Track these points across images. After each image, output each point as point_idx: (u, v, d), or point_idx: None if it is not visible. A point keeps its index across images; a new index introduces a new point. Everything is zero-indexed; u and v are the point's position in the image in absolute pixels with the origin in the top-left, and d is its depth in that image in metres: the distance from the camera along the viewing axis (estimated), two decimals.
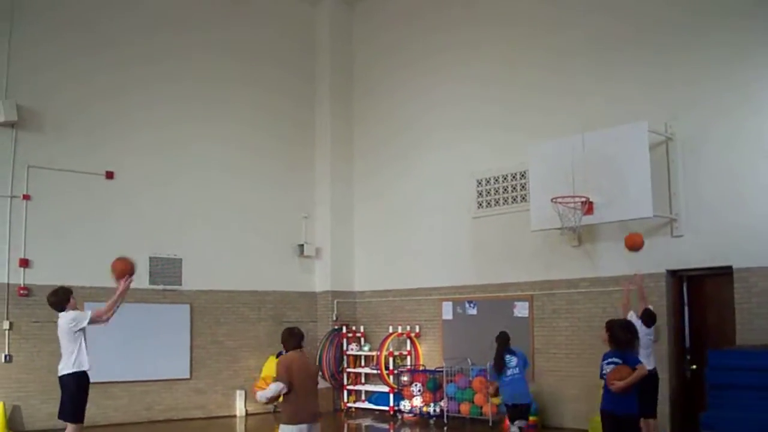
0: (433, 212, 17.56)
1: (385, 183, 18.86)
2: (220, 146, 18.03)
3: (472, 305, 16.61)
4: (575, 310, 14.85)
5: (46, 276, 15.19)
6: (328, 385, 18.27)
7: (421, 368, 17.11)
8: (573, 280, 14.88)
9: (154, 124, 17.03)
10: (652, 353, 11.87)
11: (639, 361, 8.77)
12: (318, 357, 18.27)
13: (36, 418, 14.93)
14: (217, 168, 17.88)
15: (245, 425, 16.84)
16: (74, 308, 10.44)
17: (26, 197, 15.21)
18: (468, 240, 16.81)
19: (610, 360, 8.85)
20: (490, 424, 15.21)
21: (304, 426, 8.72)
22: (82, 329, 10.24)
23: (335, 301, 18.95)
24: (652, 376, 11.37)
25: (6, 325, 14.85)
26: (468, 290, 16.67)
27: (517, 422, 11.75)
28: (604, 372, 8.84)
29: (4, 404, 14.54)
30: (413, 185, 18.11)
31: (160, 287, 16.84)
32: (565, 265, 14.97)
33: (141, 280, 16.44)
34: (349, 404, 18.31)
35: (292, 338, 9.13)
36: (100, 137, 16.25)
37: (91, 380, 15.30)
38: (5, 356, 14.79)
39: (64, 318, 10.28)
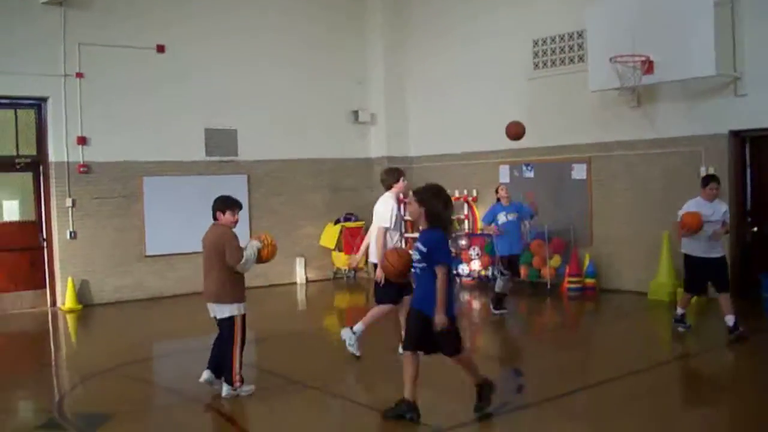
0: (489, 75, 17.15)
1: (440, 46, 18.36)
2: (272, 14, 17.70)
3: (529, 168, 16.44)
4: (633, 173, 14.61)
5: (104, 153, 15.46)
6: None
7: (479, 232, 17.14)
8: (631, 142, 14.58)
9: None
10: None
11: (446, 260, 7.13)
12: None
13: (104, 291, 15.46)
14: (268, 36, 17.59)
15: (305, 292, 17.21)
16: (400, 190, 10.27)
17: (79, 75, 15.16)
18: (524, 102, 16.42)
19: (417, 246, 7.32)
20: (548, 287, 15.30)
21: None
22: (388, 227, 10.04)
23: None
24: None
25: (69, 202, 15.12)
26: (525, 153, 16.40)
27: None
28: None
29: (73, 279, 15.00)
30: (468, 48, 17.61)
31: (216, 158, 16.93)
32: (624, 126, 14.63)
33: (197, 152, 16.63)
34: None
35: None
36: (149, 12, 16.00)
37: (155, 253, 15.87)
38: (70, 233, 15.14)
39: (382, 200, 10.20)
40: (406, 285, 9.35)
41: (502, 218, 12.96)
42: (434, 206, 7.20)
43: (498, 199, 13.22)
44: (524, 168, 16.51)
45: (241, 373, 8.48)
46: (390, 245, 9.82)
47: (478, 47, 17.35)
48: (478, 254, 16.65)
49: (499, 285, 13.06)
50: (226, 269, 8.44)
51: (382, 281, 9.61)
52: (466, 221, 17.74)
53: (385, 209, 10.04)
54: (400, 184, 10.22)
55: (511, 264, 13.01)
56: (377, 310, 10.01)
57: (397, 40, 19.14)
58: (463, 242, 17.07)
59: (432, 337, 7.23)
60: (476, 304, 15.17)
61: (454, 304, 7.51)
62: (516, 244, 13.08)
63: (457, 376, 7.72)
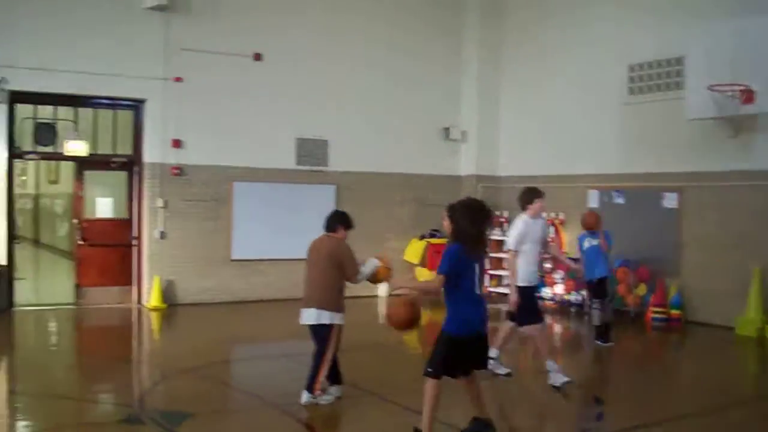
0: (583, 98, 16.99)
1: (534, 67, 18.27)
2: (368, 27, 17.84)
3: (619, 194, 16.19)
4: (727, 203, 14.26)
5: (196, 157, 15.79)
6: None
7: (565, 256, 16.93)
8: (727, 173, 14.22)
9: (302, 9, 17.01)
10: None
11: (441, 270, 7.07)
12: None
13: (189, 292, 15.73)
14: (363, 49, 17.76)
15: (386, 306, 17.18)
16: (536, 212, 9.90)
17: (178, 79, 15.53)
18: (617, 127, 16.25)
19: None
20: (632, 315, 15.04)
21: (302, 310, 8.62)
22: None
23: (479, 186, 18.82)
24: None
25: (160, 203, 15.48)
26: (615, 179, 16.20)
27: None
28: None
29: (160, 278, 15.30)
30: (563, 69, 17.49)
31: (307, 168, 17.10)
32: (720, 156, 14.30)
33: (288, 160, 16.83)
34: (490, 288, 18.35)
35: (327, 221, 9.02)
36: (249, 20, 16.28)
37: (241, 257, 16.06)
38: (160, 233, 15.48)
39: (514, 222, 10.12)
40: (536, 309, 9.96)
41: (586, 244, 12.91)
42: (459, 222, 7.10)
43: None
44: (614, 194, 16.26)
45: (325, 382, 8.53)
46: (524, 267, 9.74)
47: (573, 69, 17.22)
48: (562, 278, 16.46)
49: (595, 317, 12.73)
50: (337, 279, 8.59)
51: (515, 306, 9.65)
52: (552, 244, 17.52)
53: (511, 231, 9.96)
54: (536, 205, 9.85)
55: (598, 288, 12.79)
56: (537, 336, 10.03)
57: (491, 57, 19.07)
58: (547, 265, 16.89)
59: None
60: (557, 328, 15.00)
61: (465, 325, 7.37)
62: (598, 268, 12.84)
63: (539, 401, 7.61)
